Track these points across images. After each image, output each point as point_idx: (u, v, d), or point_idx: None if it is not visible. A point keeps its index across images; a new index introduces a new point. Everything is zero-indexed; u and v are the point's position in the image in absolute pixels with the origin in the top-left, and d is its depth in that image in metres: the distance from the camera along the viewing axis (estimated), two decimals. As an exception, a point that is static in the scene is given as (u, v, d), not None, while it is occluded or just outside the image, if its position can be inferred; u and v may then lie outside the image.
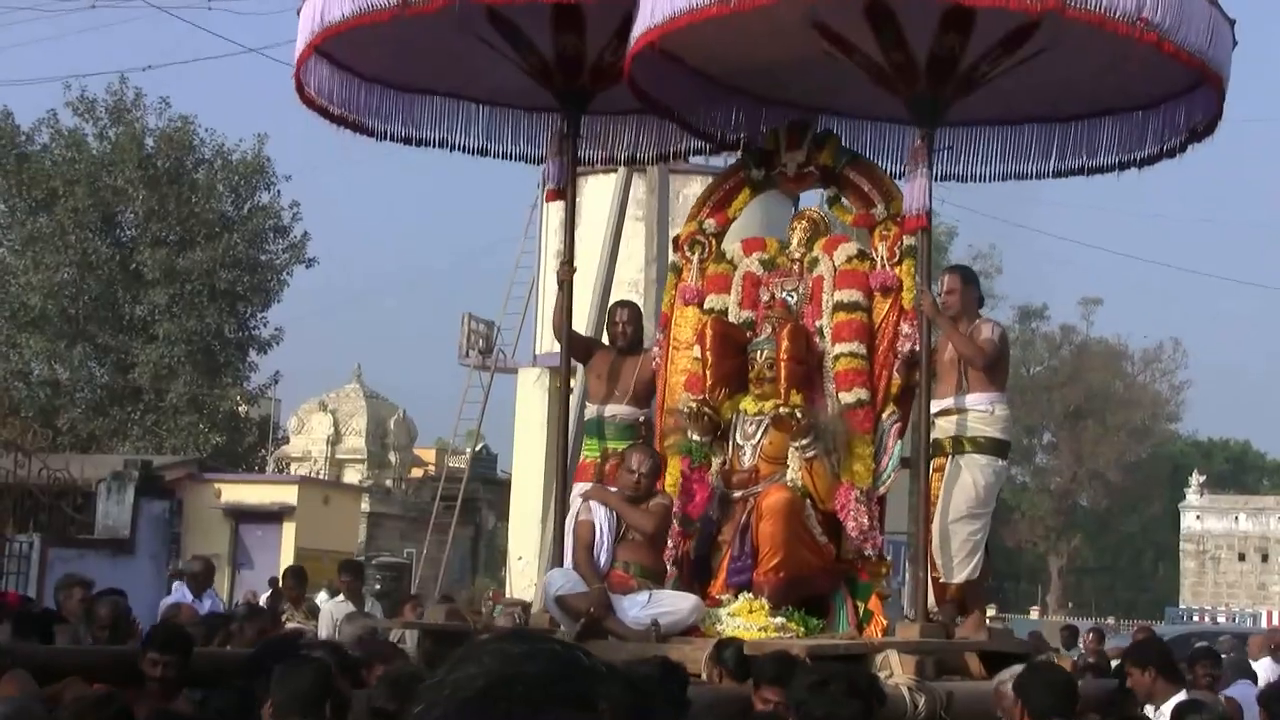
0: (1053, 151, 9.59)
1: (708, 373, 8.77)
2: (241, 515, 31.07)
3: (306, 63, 9.09)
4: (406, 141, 9.76)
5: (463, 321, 33.86)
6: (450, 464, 36.42)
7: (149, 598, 14.82)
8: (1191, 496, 63.17)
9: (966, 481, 8.76)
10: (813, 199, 10.72)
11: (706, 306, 9.20)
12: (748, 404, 8.73)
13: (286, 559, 30.30)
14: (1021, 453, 63.82)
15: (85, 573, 12.10)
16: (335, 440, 39.40)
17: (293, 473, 36.51)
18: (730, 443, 8.75)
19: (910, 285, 8.73)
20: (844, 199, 9.16)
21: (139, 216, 37.01)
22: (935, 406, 8.76)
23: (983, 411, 8.83)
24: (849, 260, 8.90)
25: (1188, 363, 66.00)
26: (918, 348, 8.61)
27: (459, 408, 32.78)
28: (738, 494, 8.62)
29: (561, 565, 8.79)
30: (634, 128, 10.15)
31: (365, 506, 35.70)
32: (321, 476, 36.61)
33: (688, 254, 9.37)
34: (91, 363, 37.06)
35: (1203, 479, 63.50)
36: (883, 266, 8.81)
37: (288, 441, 40.03)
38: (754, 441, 8.64)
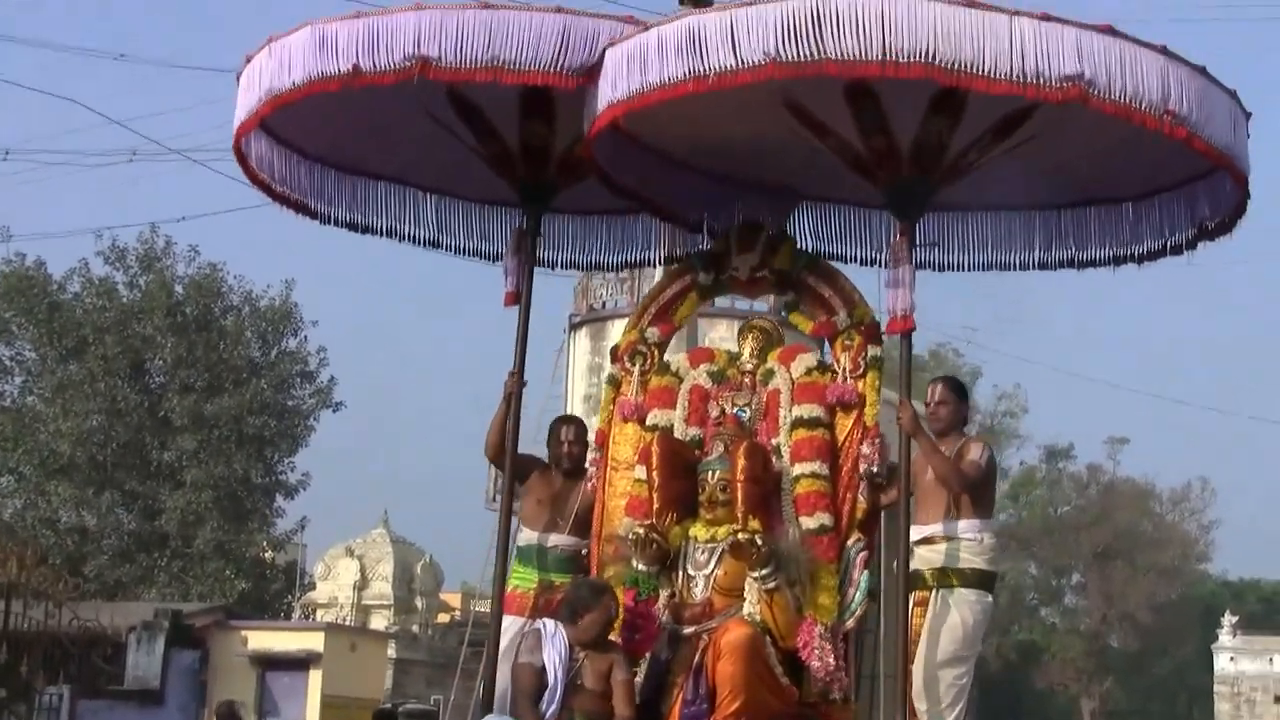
0: (1036, 242, 8.91)
1: (655, 495, 7.84)
2: (268, 662, 30.83)
3: (248, 135, 8.38)
4: (351, 228, 9.06)
5: (489, 466, 34.06)
6: (476, 608, 36.44)
7: (179, 750, 14.89)
8: (1224, 638, 62.28)
9: (955, 620, 7.94)
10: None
11: (649, 423, 8.32)
12: (698, 530, 7.84)
13: (314, 707, 30.11)
14: (1050, 593, 63.36)
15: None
16: (362, 586, 39.25)
17: (319, 619, 36.49)
18: (680, 573, 7.83)
19: (874, 400, 8.00)
20: (802, 306, 8.42)
21: (167, 363, 36.96)
22: (916, 533, 7.96)
23: (971, 540, 8.02)
24: (808, 372, 8.10)
25: (1217, 502, 65.74)
26: (875, 469, 7.86)
27: (486, 552, 32.82)
28: (689, 630, 7.66)
29: (492, 710, 7.94)
30: (596, 231, 9.48)
31: (392, 653, 35.13)
32: (348, 623, 36.54)
33: (628, 365, 8.53)
34: (119, 509, 36.78)
35: (1235, 620, 62.80)
36: (844, 379, 8.03)
37: (314, 588, 39.99)
38: (706, 571, 7.74)
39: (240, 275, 38.71)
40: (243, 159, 8.56)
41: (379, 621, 38.01)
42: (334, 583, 39.35)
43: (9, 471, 37.17)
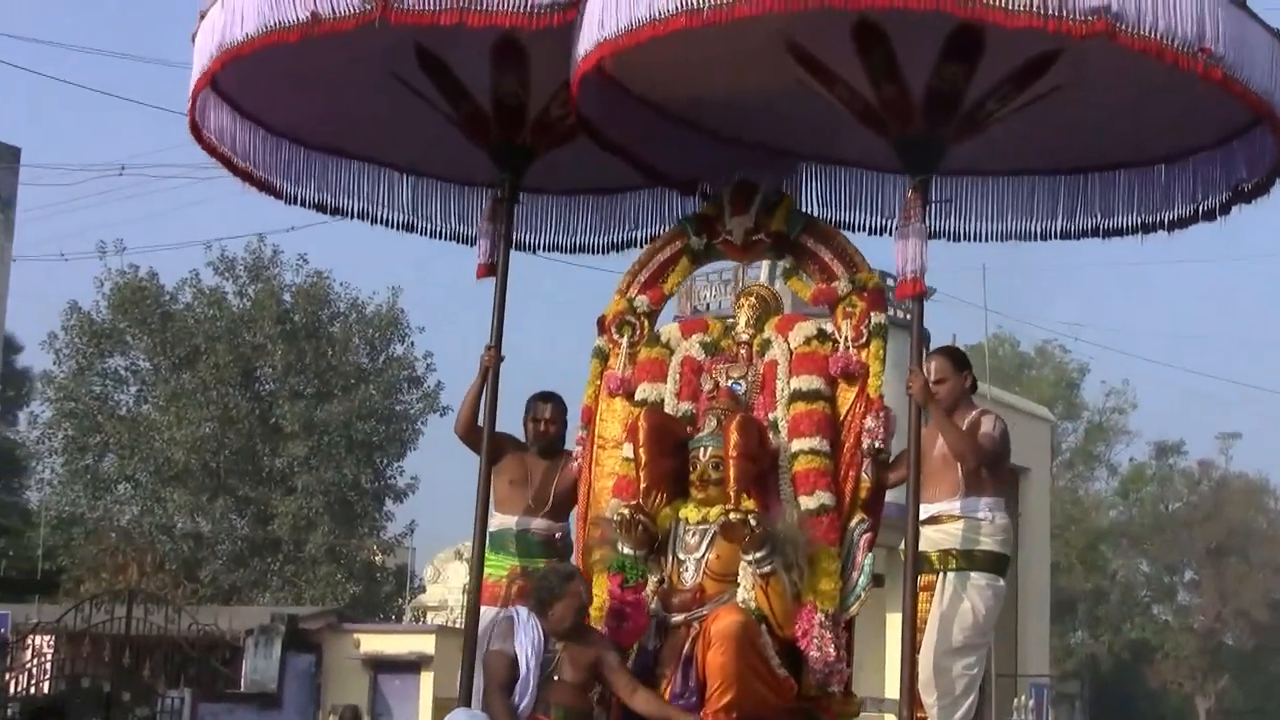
0: (1059, 209, 8.27)
1: (641, 473, 7.23)
2: (380, 665, 31.28)
3: (206, 103, 7.90)
4: (320, 209, 8.60)
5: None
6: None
7: (297, 753, 15.27)
8: (1343, 635, 61.63)
9: (965, 607, 7.39)
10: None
11: (638, 397, 7.71)
12: (689, 511, 7.23)
13: (425, 709, 30.34)
14: (1163, 591, 62.60)
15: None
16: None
17: (429, 622, 36.91)
18: (669, 557, 7.22)
19: (877, 371, 7.37)
20: (800, 271, 7.82)
21: (277, 371, 37.20)
22: (921, 512, 7.33)
23: (983, 520, 7.45)
24: (807, 341, 7.48)
25: (1331, 496, 64.72)
26: (880, 443, 7.25)
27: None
28: (679, 618, 7.07)
29: (470, 705, 7.49)
30: (577, 210, 8.99)
31: (502, 654, 35.66)
32: (458, 625, 36.92)
33: (615, 337, 7.94)
34: (232, 515, 37.02)
35: (1355, 617, 62.00)
36: (846, 348, 7.41)
37: (424, 590, 40.46)
38: (697, 555, 7.14)
39: (346, 283, 39.23)
40: (197, 130, 8.03)
41: (488, 624, 38.22)
42: (444, 585, 39.63)
43: (126, 479, 37.44)
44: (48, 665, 23.04)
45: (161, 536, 35.77)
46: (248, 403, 37.08)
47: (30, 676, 22.57)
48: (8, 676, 22.16)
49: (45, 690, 21.59)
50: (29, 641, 23.36)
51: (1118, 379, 59.89)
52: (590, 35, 6.55)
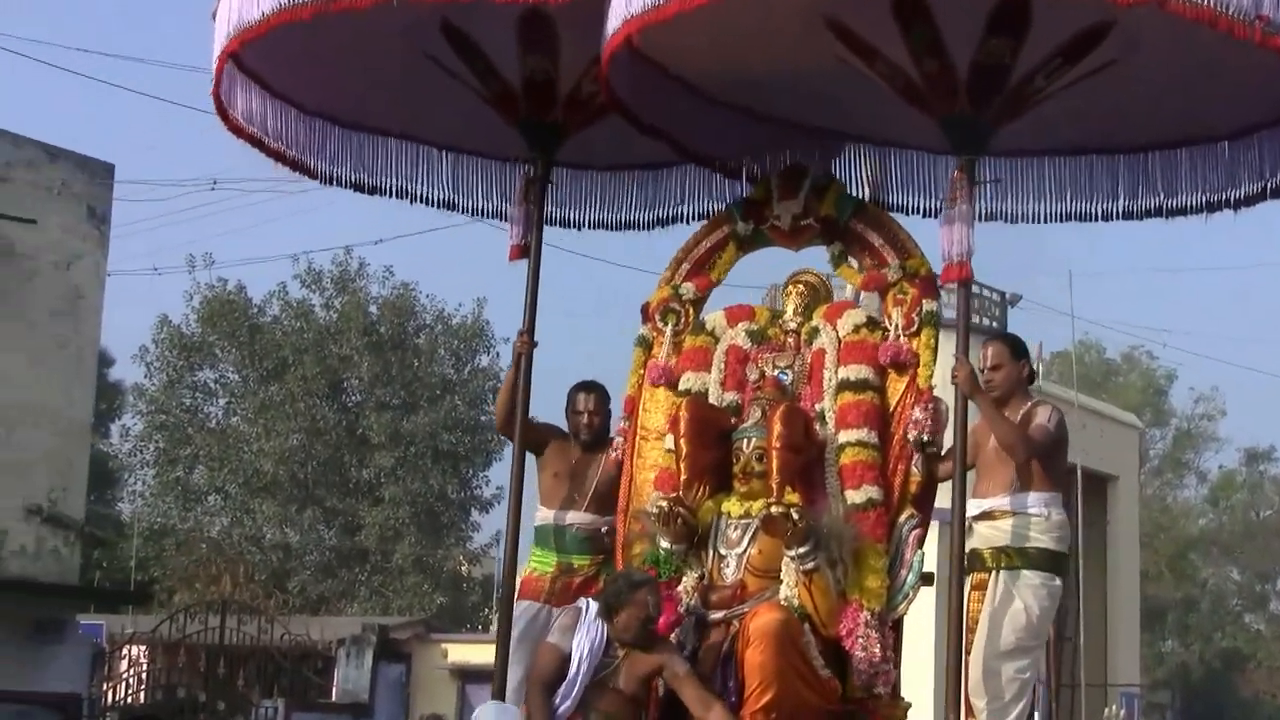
0: (1119, 189, 7.92)
1: (682, 465, 6.99)
2: (467, 675, 31.47)
3: (234, 84, 7.73)
4: (357, 188, 8.38)
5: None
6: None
7: (389, 762, 15.44)
8: None
9: (1018, 607, 7.00)
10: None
11: (682, 387, 7.44)
12: (731, 505, 6.96)
13: (513, 719, 30.80)
14: (1255, 599, 62.07)
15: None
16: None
17: (515, 631, 37.05)
18: (710, 552, 6.95)
19: (928, 360, 7.06)
20: (850, 257, 7.51)
21: (364, 382, 37.22)
22: (974, 508, 7.05)
23: (1037, 516, 7.06)
24: (856, 330, 7.19)
25: None
26: (927, 435, 6.96)
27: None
28: (719, 615, 6.79)
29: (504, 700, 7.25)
30: (621, 186, 8.68)
31: (588, 663, 35.79)
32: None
33: (659, 325, 7.67)
34: (320, 526, 37.19)
35: None
36: (897, 336, 7.13)
37: (510, 600, 40.75)
38: (739, 550, 6.87)
39: (432, 294, 39.45)
40: (223, 110, 7.84)
41: (574, 633, 38.29)
42: (529, 595, 39.94)
43: (216, 490, 37.64)
44: (143, 675, 23.39)
45: (251, 547, 36.00)
46: (335, 414, 37.25)
47: (127, 686, 22.92)
48: (105, 686, 22.50)
49: (141, 700, 21.93)
50: (124, 651, 23.72)
51: (1207, 385, 59.27)
52: (619, 11, 6.31)
